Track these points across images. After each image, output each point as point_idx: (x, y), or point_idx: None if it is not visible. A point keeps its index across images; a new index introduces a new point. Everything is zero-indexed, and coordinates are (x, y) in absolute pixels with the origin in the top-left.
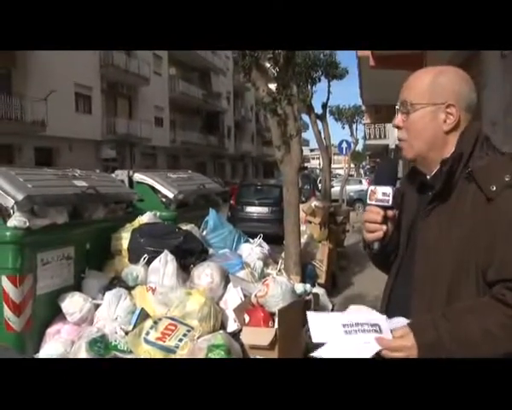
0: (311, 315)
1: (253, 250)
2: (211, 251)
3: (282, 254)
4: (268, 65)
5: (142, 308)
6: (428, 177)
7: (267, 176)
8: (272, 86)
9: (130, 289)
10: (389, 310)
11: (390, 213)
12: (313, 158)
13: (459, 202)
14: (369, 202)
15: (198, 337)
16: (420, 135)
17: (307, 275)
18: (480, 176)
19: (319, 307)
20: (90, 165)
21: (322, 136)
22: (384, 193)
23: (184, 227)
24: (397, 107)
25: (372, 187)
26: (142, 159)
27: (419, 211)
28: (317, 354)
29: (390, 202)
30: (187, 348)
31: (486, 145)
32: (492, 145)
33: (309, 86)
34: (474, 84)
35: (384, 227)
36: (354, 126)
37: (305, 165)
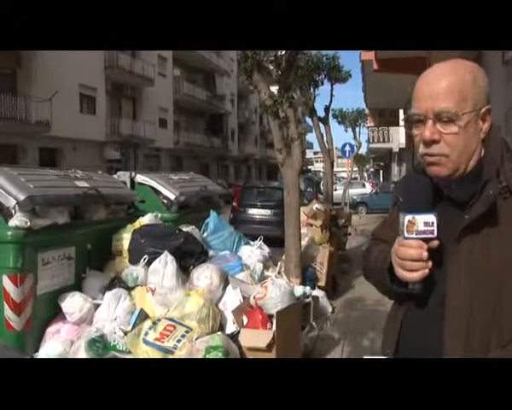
0: None
1: (253, 252)
2: (211, 253)
3: (283, 257)
4: (271, 67)
5: (142, 309)
6: (446, 190)
7: (270, 178)
8: (274, 89)
9: (129, 289)
10: (403, 336)
11: (434, 244)
12: (317, 161)
13: (498, 222)
14: (407, 235)
15: (196, 338)
16: (467, 148)
17: (307, 278)
18: None
19: (319, 310)
20: (94, 166)
21: (325, 139)
22: (426, 223)
23: (185, 229)
24: (417, 113)
25: (409, 216)
26: (146, 160)
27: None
28: None
29: (435, 233)
30: (185, 349)
31: (509, 151)
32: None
33: (311, 89)
34: None
35: (430, 263)
36: (357, 130)
37: (309, 167)
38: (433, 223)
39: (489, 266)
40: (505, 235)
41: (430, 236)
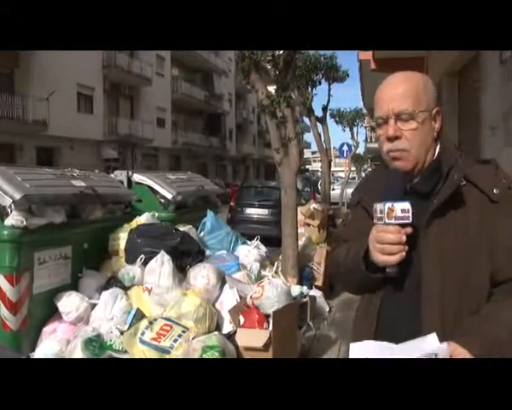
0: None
1: (250, 252)
2: (207, 252)
3: (280, 257)
4: (269, 67)
5: (138, 308)
6: (409, 185)
7: (268, 178)
8: (272, 89)
9: (126, 289)
10: (381, 319)
11: (408, 230)
12: (315, 161)
13: (460, 207)
14: (387, 221)
15: (193, 338)
16: (424, 143)
17: (304, 277)
18: (480, 181)
19: (316, 310)
20: (92, 165)
21: (322, 139)
22: (403, 209)
23: (181, 228)
24: (381, 116)
25: (389, 204)
26: (144, 159)
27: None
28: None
29: (411, 219)
30: (181, 349)
31: (459, 150)
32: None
33: (309, 89)
34: (474, 89)
35: (406, 247)
36: (355, 129)
37: (307, 167)
38: (408, 210)
39: (456, 246)
40: (469, 218)
41: (407, 221)
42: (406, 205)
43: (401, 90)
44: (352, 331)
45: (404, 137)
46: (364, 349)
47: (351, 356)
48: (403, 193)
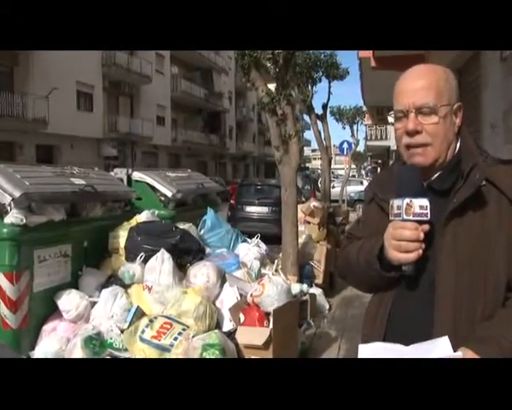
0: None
1: (250, 250)
2: (208, 250)
3: (280, 254)
4: (268, 64)
5: (138, 306)
6: (427, 182)
7: (268, 176)
8: (272, 86)
9: (126, 287)
10: (392, 321)
11: (426, 227)
12: (315, 158)
13: (479, 208)
14: (406, 217)
15: (193, 336)
16: (445, 139)
17: (304, 275)
18: (500, 182)
19: (316, 308)
20: (92, 163)
21: (323, 136)
22: (421, 206)
23: (182, 226)
24: (401, 109)
25: (407, 200)
26: (144, 157)
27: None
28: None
29: (429, 216)
30: (182, 347)
31: (479, 148)
32: (481, 146)
33: (309, 86)
34: (474, 87)
35: (423, 245)
36: (355, 127)
37: (307, 165)
38: (427, 206)
39: (473, 247)
40: (486, 218)
41: (425, 218)
42: (425, 202)
43: (423, 83)
44: (362, 331)
45: (424, 131)
46: (373, 351)
47: (359, 357)
48: (420, 190)
